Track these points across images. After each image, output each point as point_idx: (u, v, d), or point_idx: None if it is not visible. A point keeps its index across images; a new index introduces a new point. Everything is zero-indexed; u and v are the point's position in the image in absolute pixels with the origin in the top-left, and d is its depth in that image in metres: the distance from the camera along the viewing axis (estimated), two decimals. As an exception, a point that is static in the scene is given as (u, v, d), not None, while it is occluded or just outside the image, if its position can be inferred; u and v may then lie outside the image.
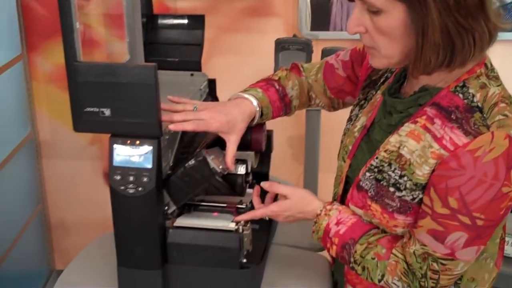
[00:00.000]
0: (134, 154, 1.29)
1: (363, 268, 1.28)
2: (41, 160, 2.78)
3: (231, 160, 1.35)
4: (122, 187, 1.29)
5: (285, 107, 1.49)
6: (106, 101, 1.25)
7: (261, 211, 1.38)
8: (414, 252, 1.22)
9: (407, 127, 1.22)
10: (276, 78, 1.51)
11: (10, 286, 2.52)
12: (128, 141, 1.29)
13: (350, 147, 1.38)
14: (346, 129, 1.44)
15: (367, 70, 1.43)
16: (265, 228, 1.60)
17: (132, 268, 1.37)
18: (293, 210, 1.36)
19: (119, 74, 1.22)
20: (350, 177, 1.37)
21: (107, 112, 1.25)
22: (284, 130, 2.65)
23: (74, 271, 1.58)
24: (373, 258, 1.27)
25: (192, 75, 1.73)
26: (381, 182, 1.25)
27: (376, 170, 1.26)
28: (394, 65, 1.22)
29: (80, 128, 1.29)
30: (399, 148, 1.22)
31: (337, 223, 1.31)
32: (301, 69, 1.55)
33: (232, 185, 1.44)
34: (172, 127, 1.32)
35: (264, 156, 1.62)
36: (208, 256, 1.37)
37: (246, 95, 1.41)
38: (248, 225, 1.39)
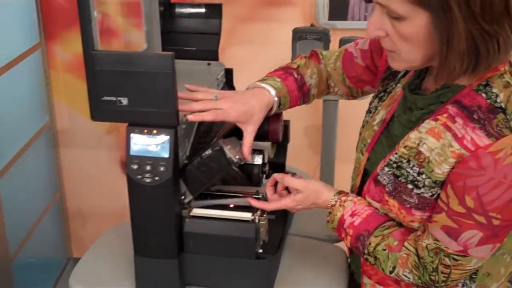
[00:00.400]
0: (151, 143, 1.29)
1: (375, 259, 1.28)
2: (59, 149, 2.80)
3: (247, 150, 1.35)
4: (139, 176, 1.30)
5: (303, 96, 1.48)
6: (123, 90, 1.25)
7: (274, 205, 1.38)
8: (426, 246, 1.21)
9: (428, 124, 1.20)
10: (295, 66, 1.49)
11: (28, 273, 2.54)
12: (145, 130, 1.29)
13: (369, 140, 1.36)
14: (364, 121, 1.42)
15: (387, 62, 1.41)
16: (281, 219, 1.60)
17: (149, 257, 1.38)
18: (305, 203, 1.36)
19: (136, 63, 1.22)
20: (368, 170, 1.36)
21: (124, 101, 1.25)
22: (301, 120, 2.64)
23: (91, 259, 1.59)
24: (384, 249, 1.26)
25: (209, 64, 1.73)
26: (399, 178, 1.24)
27: (394, 165, 1.25)
28: (415, 68, 1.21)
29: (97, 117, 1.29)
30: (418, 145, 1.21)
31: (352, 215, 1.31)
32: (320, 56, 1.54)
33: (248, 175, 1.44)
34: (191, 117, 1.32)
35: (281, 147, 1.62)
36: (224, 246, 1.37)
37: (264, 85, 1.40)
38: (265, 215, 1.39)
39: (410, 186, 1.22)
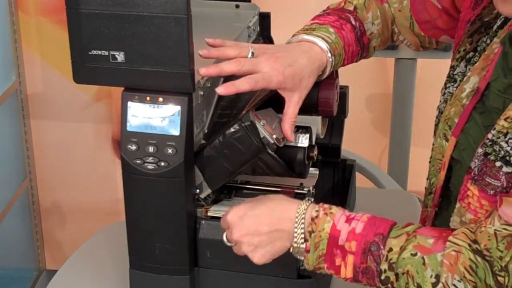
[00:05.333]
0: (156, 116, 1.30)
1: (399, 276, 1.22)
2: (29, 121, 2.82)
3: (290, 127, 1.35)
4: (138, 161, 1.31)
5: (361, 50, 1.48)
6: (118, 42, 1.25)
7: None
8: (495, 233, 1.18)
9: None
10: (351, 7, 1.50)
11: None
12: (148, 98, 1.30)
13: (457, 120, 1.36)
14: (447, 93, 1.41)
15: (474, 6, 1.40)
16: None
17: (150, 272, 1.39)
18: (254, 222, 1.28)
19: (137, 3, 1.22)
20: (456, 160, 1.34)
21: (119, 56, 1.26)
22: (362, 86, 2.62)
23: (71, 273, 1.61)
24: (413, 254, 1.21)
25: (237, 6, 1.73)
26: (489, 156, 1.23)
27: (489, 143, 1.25)
28: None
29: (82, 79, 1.30)
30: None
31: (348, 220, 1.26)
32: None
33: (289, 162, 1.44)
34: (221, 90, 1.30)
35: (335, 123, 1.62)
36: (254, 259, 1.38)
37: (314, 39, 1.40)
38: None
39: (498, 164, 1.21)
